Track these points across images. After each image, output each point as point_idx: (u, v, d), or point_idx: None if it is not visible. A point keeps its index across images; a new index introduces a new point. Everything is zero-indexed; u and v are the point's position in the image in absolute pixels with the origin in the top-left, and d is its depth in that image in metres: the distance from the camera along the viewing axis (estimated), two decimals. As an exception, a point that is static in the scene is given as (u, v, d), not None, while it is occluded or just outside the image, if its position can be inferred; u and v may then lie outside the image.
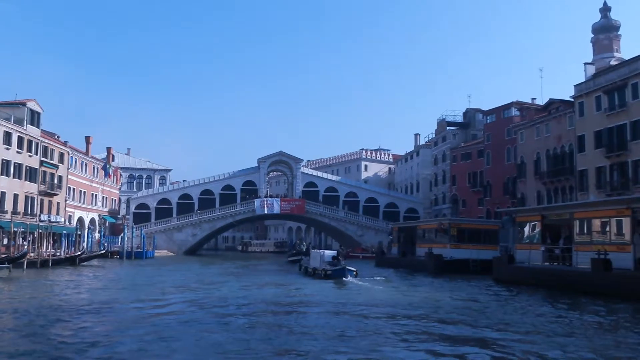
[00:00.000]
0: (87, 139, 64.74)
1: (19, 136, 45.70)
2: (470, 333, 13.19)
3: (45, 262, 37.25)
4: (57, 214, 52.22)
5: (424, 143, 75.71)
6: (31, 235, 39.92)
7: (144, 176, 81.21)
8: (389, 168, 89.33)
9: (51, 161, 51.26)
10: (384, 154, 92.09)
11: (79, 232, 50.29)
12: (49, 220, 47.79)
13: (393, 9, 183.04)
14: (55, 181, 52.01)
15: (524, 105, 56.20)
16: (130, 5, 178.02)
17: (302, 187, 70.45)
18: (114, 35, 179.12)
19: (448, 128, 67.35)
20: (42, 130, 50.50)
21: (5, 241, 40.01)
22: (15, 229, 38.72)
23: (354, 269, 29.77)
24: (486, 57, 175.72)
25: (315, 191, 70.70)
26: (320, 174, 74.80)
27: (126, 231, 57.29)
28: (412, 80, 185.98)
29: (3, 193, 43.86)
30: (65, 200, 54.67)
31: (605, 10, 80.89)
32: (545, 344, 11.77)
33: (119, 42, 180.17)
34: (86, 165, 61.75)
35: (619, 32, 79.10)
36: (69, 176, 55.69)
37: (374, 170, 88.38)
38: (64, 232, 46.78)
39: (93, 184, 63.03)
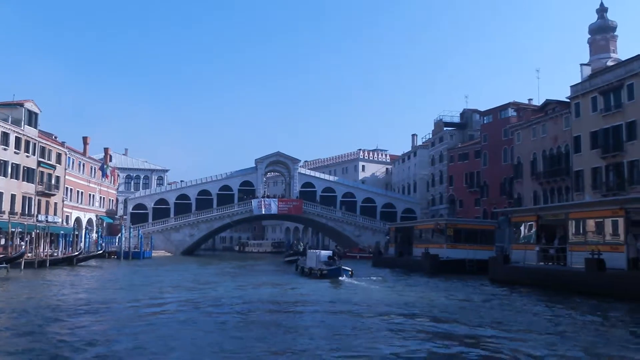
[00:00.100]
0: (85, 139, 64.80)
1: (16, 137, 45.75)
2: (463, 331, 13.35)
3: (43, 262, 37.33)
4: (55, 214, 52.27)
5: (421, 143, 75.91)
6: (29, 236, 39.96)
7: (142, 176, 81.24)
8: (387, 168, 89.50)
9: (49, 161, 51.31)
10: (382, 155, 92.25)
11: (76, 233, 50.34)
12: (47, 221, 47.87)
13: (393, 9, 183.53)
14: (53, 181, 52.05)
15: (520, 105, 56.43)
16: (130, 5, 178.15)
17: (299, 188, 70.59)
18: (113, 36, 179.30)
19: (445, 128, 67.61)
20: (39, 130, 50.57)
21: (3, 241, 40.03)
22: (13, 229, 38.77)
23: (349, 269, 30.00)
24: (486, 58, 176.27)
25: (312, 191, 70.84)
26: (317, 174, 74.93)
27: (123, 231, 57.36)
28: (412, 80, 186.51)
29: (1, 193, 43.89)
30: (63, 201, 54.71)
31: (602, 10, 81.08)
32: (534, 342, 11.93)
33: (118, 42, 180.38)
34: (84, 165, 61.80)
35: (615, 33, 79.26)
36: (67, 176, 55.73)
37: (371, 170, 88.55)
38: (62, 232, 46.84)
39: (90, 185, 63.07)
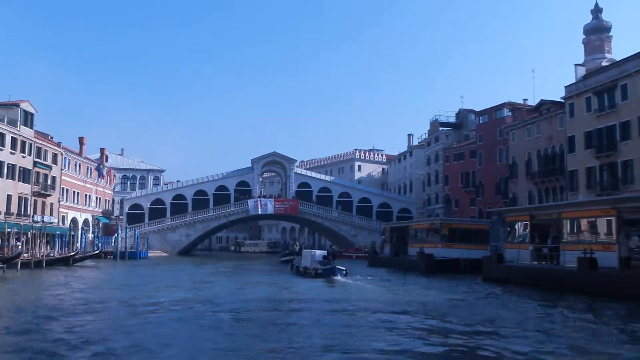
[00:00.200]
0: (81, 139, 64.75)
1: (12, 137, 45.74)
2: (455, 329, 13.51)
3: (39, 262, 37.35)
4: (51, 214, 52.26)
5: (417, 143, 76.16)
6: (25, 236, 39.99)
7: (138, 177, 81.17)
8: (383, 168, 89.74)
9: (44, 162, 51.30)
10: (378, 155, 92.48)
11: (72, 233, 50.41)
12: (43, 221, 47.84)
13: (393, 9, 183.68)
14: (49, 182, 52.04)
15: (515, 106, 56.74)
16: (130, 5, 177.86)
17: (295, 188, 70.75)
18: (113, 36, 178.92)
19: (441, 128, 67.88)
20: (35, 131, 50.56)
21: (-1, 242, 40.10)
22: (9, 230, 38.82)
23: (344, 268, 30.19)
24: (485, 58, 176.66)
25: (308, 191, 71.00)
26: (313, 174, 75.12)
27: (120, 232, 57.41)
28: (412, 80, 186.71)
29: (-4, 194, 43.93)
30: (59, 201, 54.70)
31: (596, 11, 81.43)
32: (524, 339, 12.10)
33: (118, 42, 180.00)
34: (80, 165, 61.77)
35: (610, 33, 79.65)
36: (63, 177, 55.72)
37: (367, 170, 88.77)
38: (58, 232, 46.88)
39: (87, 185, 63.04)
